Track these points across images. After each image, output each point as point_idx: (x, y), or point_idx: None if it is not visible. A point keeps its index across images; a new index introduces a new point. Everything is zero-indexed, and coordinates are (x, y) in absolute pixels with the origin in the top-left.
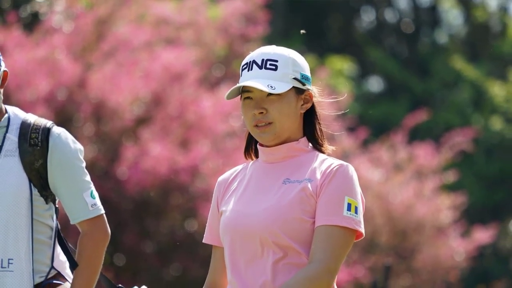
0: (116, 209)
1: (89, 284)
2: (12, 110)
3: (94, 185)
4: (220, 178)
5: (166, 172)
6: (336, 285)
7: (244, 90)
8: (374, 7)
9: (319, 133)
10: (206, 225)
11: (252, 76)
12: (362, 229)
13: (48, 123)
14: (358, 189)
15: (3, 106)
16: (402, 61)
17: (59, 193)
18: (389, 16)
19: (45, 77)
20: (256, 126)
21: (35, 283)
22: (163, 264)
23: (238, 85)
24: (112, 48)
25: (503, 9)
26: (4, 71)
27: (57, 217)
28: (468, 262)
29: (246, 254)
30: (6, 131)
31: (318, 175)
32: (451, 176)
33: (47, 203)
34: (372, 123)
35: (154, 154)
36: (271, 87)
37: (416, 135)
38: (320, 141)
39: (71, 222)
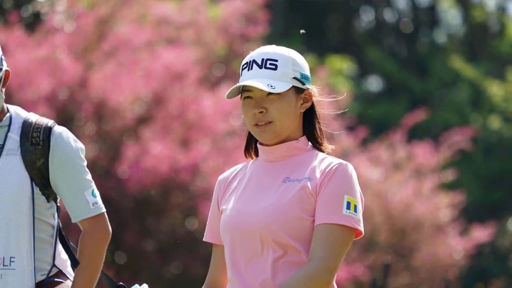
0: (117, 208)
1: (90, 282)
2: (13, 109)
3: (95, 183)
4: (221, 177)
5: (166, 171)
6: (336, 283)
7: (244, 89)
8: (373, 7)
9: (318, 132)
10: (207, 223)
11: (252, 75)
12: (361, 228)
13: (50, 122)
14: (358, 188)
15: (5, 106)
16: (401, 60)
17: (60, 191)
18: (388, 16)
19: (46, 76)
20: (256, 125)
21: (36, 281)
22: (163, 262)
23: (238, 84)
24: (113, 47)
25: (501, 9)
26: (6, 70)
27: (58, 216)
28: (466, 260)
29: (246, 252)
30: (8, 130)
31: (318, 174)
32: (449, 175)
33: (48, 201)
34: (371, 122)
35: (155, 153)
36: (271, 86)
37: (415, 134)
38: (320, 140)
39: (73, 221)
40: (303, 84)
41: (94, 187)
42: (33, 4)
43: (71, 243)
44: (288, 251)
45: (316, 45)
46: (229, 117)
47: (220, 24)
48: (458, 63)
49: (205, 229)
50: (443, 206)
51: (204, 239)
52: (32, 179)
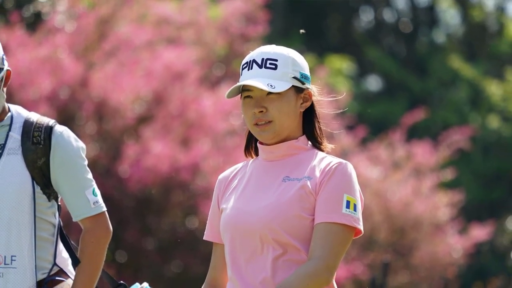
0: (118, 207)
1: (91, 281)
2: (15, 108)
3: (96, 182)
4: (221, 176)
5: (167, 170)
6: (335, 281)
7: (244, 89)
8: (373, 7)
9: (318, 132)
10: (207, 222)
11: (252, 75)
12: (360, 226)
13: (51, 121)
14: (357, 187)
15: (6, 105)
16: (400, 60)
17: (61, 190)
18: (388, 16)
19: (47, 76)
20: (256, 124)
21: (37, 280)
22: (164, 260)
23: (238, 84)
24: (114, 47)
25: (500, 9)
26: (7, 70)
27: (59, 215)
28: (465, 259)
29: (246, 251)
30: (9, 130)
31: (317, 173)
32: (448, 174)
33: (49, 200)
34: (370, 121)
35: (156, 152)
36: (271, 86)
37: (414, 134)
38: (320, 139)
39: (74, 220)
40: (303, 83)
41: (95, 186)
42: (34, 4)
43: (72, 242)
44: (288, 249)
45: (316, 45)
46: (229, 117)
47: (220, 24)
48: (457, 63)
49: (205, 228)
50: (442, 205)
51: (204, 238)
52: (33, 178)
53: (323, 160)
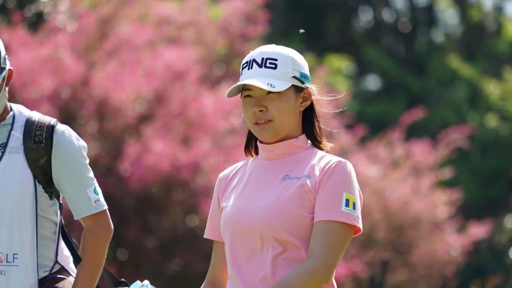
0: (119, 205)
1: (92, 278)
2: (17, 108)
3: (97, 181)
4: (221, 175)
5: (168, 169)
6: (335, 279)
7: (244, 88)
8: (372, 7)
9: (318, 131)
10: (207, 220)
11: (252, 74)
12: (360, 225)
13: (52, 120)
14: (356, 185)
15: (8, 104)
16: (399, 60)
17: (63, 189)
18: (387, 15)
19: (49, 75)
20: (256, 123)
21: (39, 278)
22: (165, 258)
23: (238, 83)
24: (115, 47)
25: (498, 9)
26: (9, 69)
27: (61, 213)
28: (464, 257)
29: (246, 249)
30: (11, 129)
31: (317, 172)
32: (447, 173)
33: (51, 199)
34: (369, 120)
35: (156, 151)
36: (271, 85)
37: (413, 133)
38: (319, 138)
39: (75, 218)
40: (303, 83)
41: (96, 184)
42: (36, 4)
43: (74, 240)
44: (288, 247)
45: (315, 45)
46: (230, 116)
47: (221, 24)
48: (455, 62)
49: (205, 226)
50: (440, 204)
51: (204, 236)
52: (35, 177)
53: (323, 159)
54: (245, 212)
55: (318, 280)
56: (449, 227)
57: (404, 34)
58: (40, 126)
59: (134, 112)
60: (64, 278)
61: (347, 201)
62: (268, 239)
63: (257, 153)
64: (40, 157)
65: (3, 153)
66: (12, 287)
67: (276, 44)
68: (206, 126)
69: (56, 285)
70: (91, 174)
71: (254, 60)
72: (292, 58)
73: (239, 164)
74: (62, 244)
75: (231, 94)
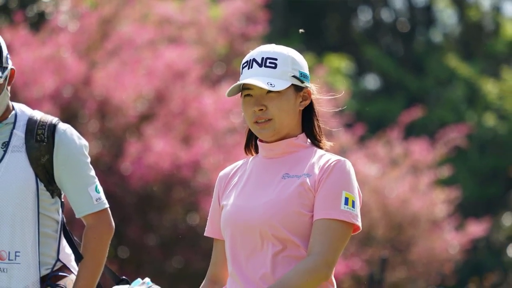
0: (120, 203)
1: (94, 276)
2: (19, 107)
3: (99, 180)
4: (221, 173)
5: (168, 167)
6: (334, 277)
7: (244, 87)
8: (371, 7)
9: (317, 129)
10: (208, 218)
11: (252, 74)
12: (359, 223)
13: (54, 119)
14: (355, 184)
15: (10, 103)
16: (398, 59)
17: (64, 187)
18: (385, 15)
19: (51, 75)
20: (256, 122)
21: (41, 275)
22: (166, 256)
23: (238, 82)
24: (116, 46)
25: (496, 9)
26: (12, 69)
27: (62, 211)
28: (462, 254)
29: (247, 247)
30: (13, 127)
31: (317, 170)
32: (445, 171)
33: (53, 197)
34: (368, 119)
35: (157, 150)
36: (271, 84)
37: (411, 131)
38: (318, 137)
39: (77, 216)
40: (302, 82)
41: (98, 183)
42: (37, 4)
43: (75, 238)
44: (288, 245)
45: (315, 44)
46: (230, 115)
47: (221, 24)
48: (453, 62)
49: (206, 224)
50: (439, 202)
51: (205, 234)
52: (37, 175)
53: (322, 158)
54: (245, 210)
55: (318, 278)
56: (448, 225)
57: (402, 34)
58: (42, 125)
59: (135, 111)
60: (65, 276)
61: (346, 199)
62: (268, 237)
63: (257, 152)
64: (42, 155)
65: (5, 151)
66: (14, 284)
67: (276, 43)
68: (207, 125)
69: (58, 282)
70: (93, 172)
71: (254, 60)
72: (292, 58)
73: (239, 162)
74: (64, 242)
75: (231, 93)
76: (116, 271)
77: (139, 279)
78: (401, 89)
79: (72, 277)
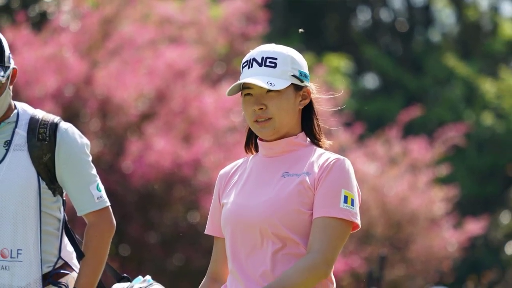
0: (121, 202)
1: (95, 274)
2: (21, 106)
3: (100, 178)
4: (222, 172)
5: (169, 166)
6: (333, 274)
7: (244, 86)
8: (370, 6)
9: (316, 128)
10: (208, 216)
11: (252, 73)
12: (358, 221)
13: (56, 118)
14: (354, 182)
15: (13, 102)
16: (396, 58)
17: (66, 186)
18: (384, 15)
19: (53, 74)
20: (256, 121)
21: (43, 273)
22: (166, 254)
23: (238, 82)
24: (118, 46)
25: (494, 9)
26: (14, 68)
27: (64, 209)
28: (460, 252)
29: (247, 245)
30: (15, 126)
31: (316, 169)
32: (444, 170)
33: (54, 195)
34: (367, 118)
35: (158, 149)
36: (271, 84)
37: (410, 130)
38: (318, 136)
39: (78, 214)
40: (302, 81)
41: (99, 181)
42: (39, 4)
43: (77, 236)
44: (287, 243)
45: (314, 44)
46: (230, 114)
47: (221, 24)
48: (452, 61)
49: (206, 222)
50: (437, 200)
51: (205, 232)
52: (38, 174)
53: (322, 156)
54: (245, 208)
55: (317, 275)
56: (446, 223)
57: (401, 34)
58: (43, 124)
59: (136, 110)
60: (67, 274)
61: (346, 197)
62: (268, 235)
63: (257, 151)
64: (43, 154)
65: (7, 150)
66: (16, 282)
67: (276, 43)
68: (207, 124)
69: (60, 280)
70: (94, 171)
71: (254, 59)
72: (292, 57)
73: (240, 161)
74: (65, 240)
75: (231, 93)
76: (117, 268)
77: (140, 277)
78: (400, 88)
79: (74, 274)
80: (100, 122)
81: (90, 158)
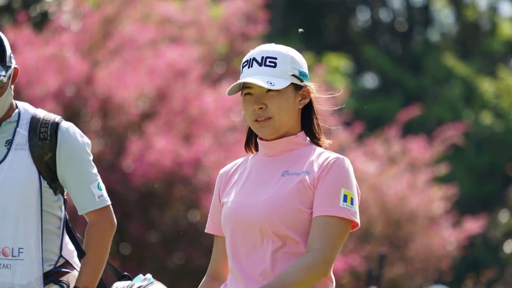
0: (122, 200)
1: (96, 272)
2: (22, 105)
3: (101, 177)
4: (222, 171)
5: (170, 165)
6: (333, 273)
7: (244, 86)
8: (369, 6)
9: (316, 128)
10: (208, 215)
11: (252, 73)
12: (357, 220)
13: (57, 117)
14: (354, 181)
15: (14, 102)
16: (396, 58)
17: (67, 185)
18: (384, 15)
19: (54, 73)
20: (256, 120)
21: (44, 271)
22: (167, 253)
23: (239, 81)
24: (118, 46)
25: (492, 9)
26: (15, 68)
27: (65, 208)
28: (459, 251)
29: (247, 244)
30: (17, 126)
31: (316, 168)
32: (443, 169)
33: (55, 194)
34: (367, 118)
35: (159, 148)
36: (271, 83)
37: (409, 130)
38: (318, 135)
39: (79, 213)
40: (302, 81)
41: (100, 180)
42: (41, 4)
43: (78, 235)
44: (287, 242)
45: (314, 44)
46: (230, 113)
47: (222, 23)
48: (451, 61)
49: (207, 221)
50: (436, 199)
51: (206, 231)
52: (40, 173)
53: (321, 155)
54: (245, 207)
55: (317, 274)
56: (445, 222)
57: (400, 33)
58: (45, 123)
59: (137, 110)
60: (68, 272)
61: (345, 196)
62: (268, 233)
63: (257, 150)
64: (45, 153)
65: (8, 149)
66: (18, 280)
67: (276, 43)
68: (207, 123)
69: (61, 278)
70: (95, 170)
71: (254, 59)
72: (292, 57)
73: (240, 160)
74: (67, 238)
75: (231, 92)
76: (118, 267)
77: (140, 275)
78: (399, 87)
79: (75, 273)
80: (100, 121)
81: (91, 157)
